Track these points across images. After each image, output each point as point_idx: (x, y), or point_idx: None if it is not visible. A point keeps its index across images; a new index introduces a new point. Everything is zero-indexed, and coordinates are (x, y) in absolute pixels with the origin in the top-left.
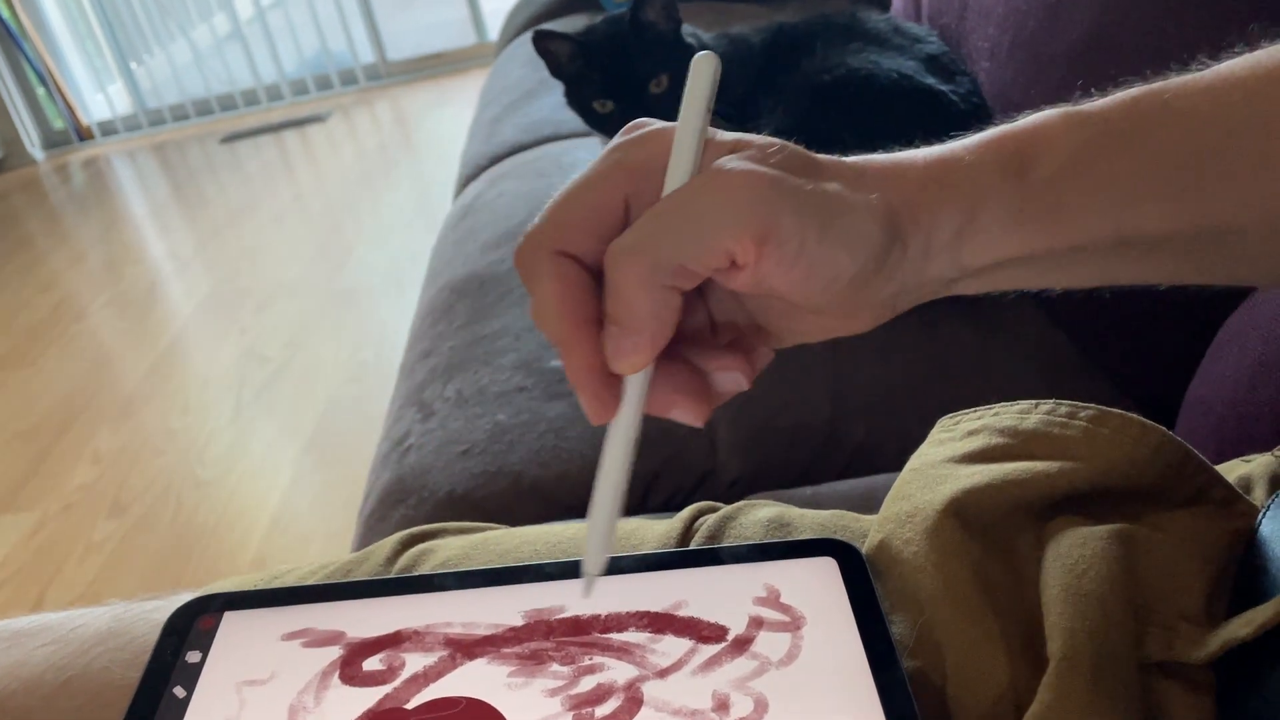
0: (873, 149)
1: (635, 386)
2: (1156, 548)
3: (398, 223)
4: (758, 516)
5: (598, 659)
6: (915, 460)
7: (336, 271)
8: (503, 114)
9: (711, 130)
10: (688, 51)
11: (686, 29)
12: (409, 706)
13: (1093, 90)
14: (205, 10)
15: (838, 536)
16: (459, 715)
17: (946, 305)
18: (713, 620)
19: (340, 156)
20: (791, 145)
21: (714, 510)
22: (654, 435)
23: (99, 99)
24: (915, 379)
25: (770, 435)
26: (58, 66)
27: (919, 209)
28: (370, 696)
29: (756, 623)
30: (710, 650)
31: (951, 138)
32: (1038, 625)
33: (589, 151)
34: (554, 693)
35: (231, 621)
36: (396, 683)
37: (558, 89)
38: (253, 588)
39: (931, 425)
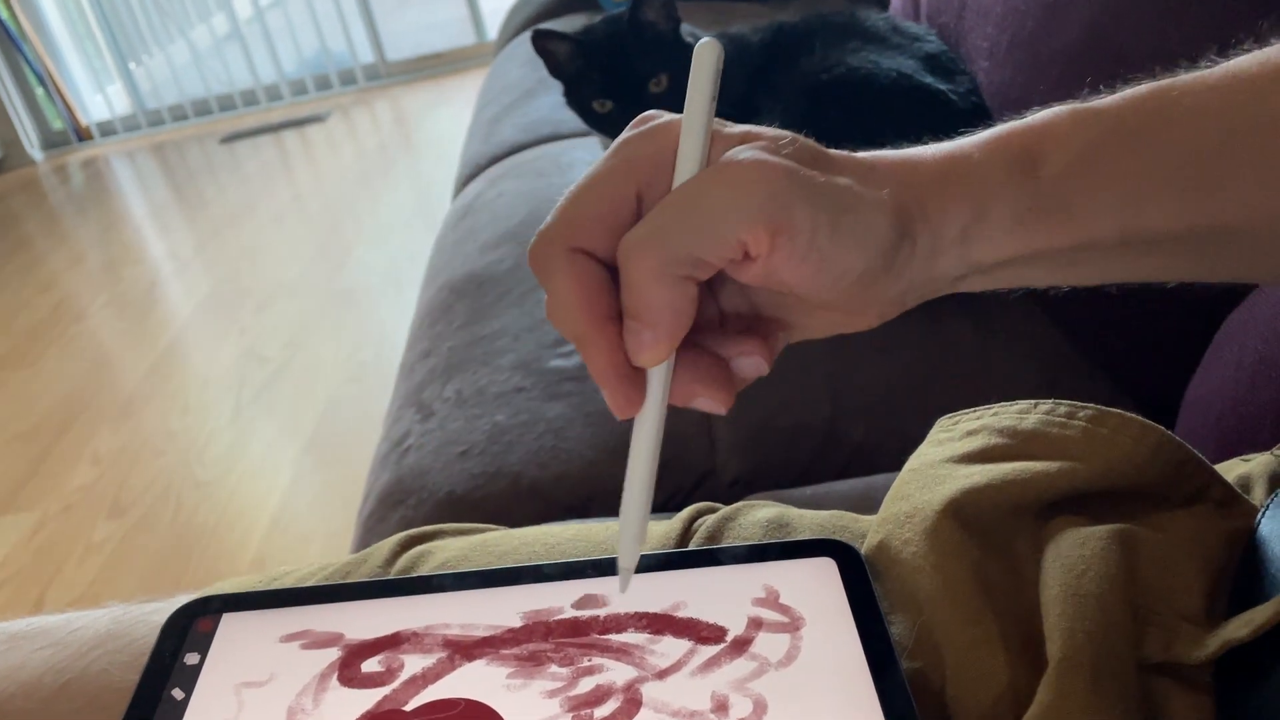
0: (872, 148)
1: (658, 379)
2: (1156, 548)
3: (397, 223)
4: (757, 517)
5: (596, 660)
6: (914, 460)
7: (336, 271)
8: (502, 114)
9: (720, 122)
10: (687, 51)
11: (685, 28)
12: (408, 708)
13: (1098, 88)
14: (204, 11)
15: (837, 537)
16: (458, 717)
17: (947, 304)
18: (712, 621)
19: (339, 156)
20: (802, 138)
21: (713, 511)
22: None
23: (98, 99)
24: (915, 379)
25: (770, 435)
26: (57, 67)
27: (928, 206)
28: (369, 698)
29: (755, 623)
30: (709, 651)
31: (952, 136)
32: (1037, 626)
33: (588, 151)
34: (553, 694)
35: (230, 623)
36: (395, 684)
37: (557, 89)
38: (252, 589)
39: (931, 425)
